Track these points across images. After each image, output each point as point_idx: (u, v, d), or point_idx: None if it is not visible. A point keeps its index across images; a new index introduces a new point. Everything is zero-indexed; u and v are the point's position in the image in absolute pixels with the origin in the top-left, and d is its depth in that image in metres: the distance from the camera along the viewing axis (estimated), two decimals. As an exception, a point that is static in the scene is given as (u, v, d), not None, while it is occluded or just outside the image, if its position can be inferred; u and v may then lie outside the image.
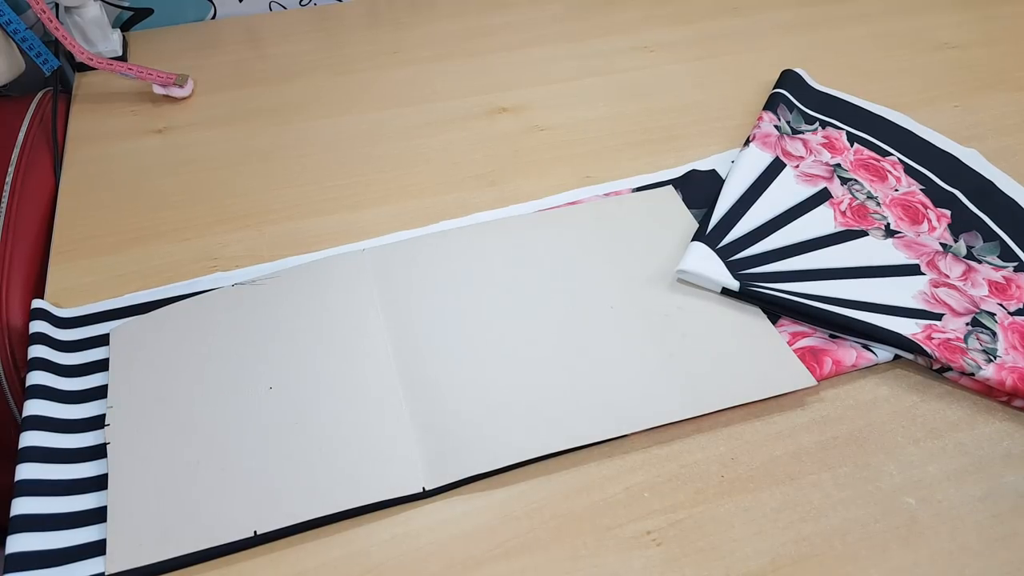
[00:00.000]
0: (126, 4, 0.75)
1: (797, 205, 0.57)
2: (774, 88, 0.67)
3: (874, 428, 0.45)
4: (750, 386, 0.46)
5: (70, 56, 0.68)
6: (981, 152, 0.62)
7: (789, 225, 0.56)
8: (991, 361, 0.47)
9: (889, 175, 0.60)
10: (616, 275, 0.52)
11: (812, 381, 0.46)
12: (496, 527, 0.41)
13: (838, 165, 0.61)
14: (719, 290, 0.51)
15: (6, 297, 0.51)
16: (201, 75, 0.70)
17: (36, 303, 0.49)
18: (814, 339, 0.49)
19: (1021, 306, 0.51)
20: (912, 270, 0.53)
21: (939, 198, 0.58)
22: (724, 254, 0.52)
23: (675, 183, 0.59)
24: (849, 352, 0.48)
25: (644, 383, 0.46)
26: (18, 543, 0.38)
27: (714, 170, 0.61)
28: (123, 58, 0.72)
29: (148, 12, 0.76)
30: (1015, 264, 0.53)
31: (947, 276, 0.53)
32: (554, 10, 0.80)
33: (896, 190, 0.59)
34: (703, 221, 0.55)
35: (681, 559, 0.39)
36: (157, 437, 0.43)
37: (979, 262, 0.54)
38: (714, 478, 0.43)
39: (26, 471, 0.40)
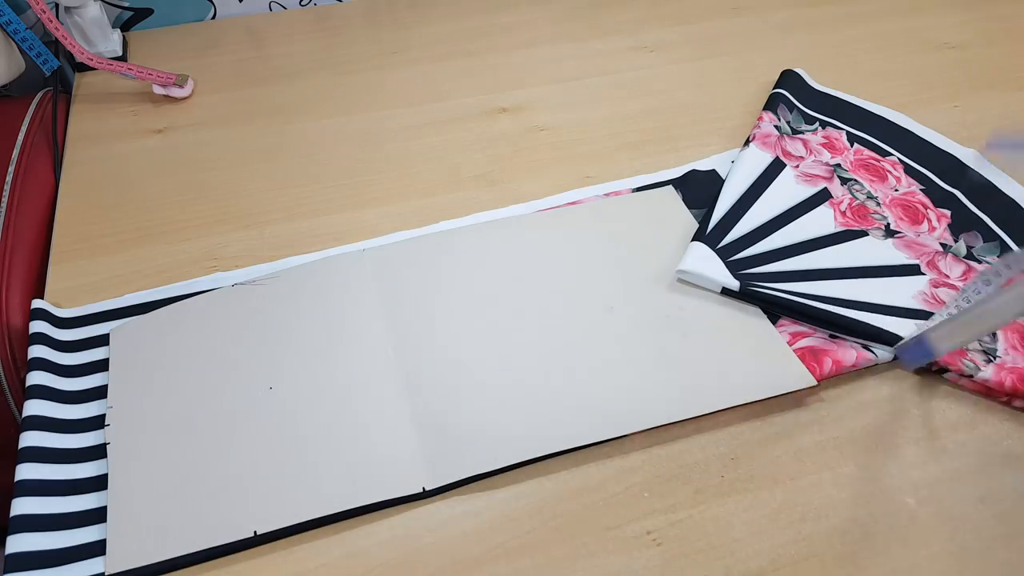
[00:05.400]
0: (126, 4, 0.75)
1: (797, 205, 0.57)
2: (774, 88, 0.67)
3: (874, 428, 0.45)
4: (750, 386, 0.46)
5: (70, 56, 0.68)
6: (981, 152, 0.62)
7: (789, 225, 0.56)
8: (991, 362, 0.47)
9: (889, 175, 0.60)
10: (616, 275, 0.52)
11: (812, 381, 0.46)
12: (496, 527, 0.41)
13: (838, 165, 0.61)
14: (719, 290, 0.51)
15: (6, 297, 0.51)
16: (201, 75, 0.70)
17: (36, 303, 0.49)
18: (814, 339, 0.49)
19: (1021, 306, 0.51)
20: (912, 270, 0.53)
21: (939, 198, 0.58)
22: (724, 254, 0.52)
23: (675, 183, 0.59)
24: (849, 352, 0.48)
25: (644, 383, 0.46)
26: (18, 543, 0.38)
27: (714, 170, 0.61)
28: (123, 58, 0.72)
29: (148, 12, 0.76)
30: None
31: (947, 276, 0.53)
32: (554, 10, 0.80)
33: (896, 190, 0.59)
34: (703, 221, 0.55)
35: (681, 559, 0.39)
36: (157, 437, 0.43)
37: (979, 262, 0.54)
38: (714, 478, 0.43)
39: (26, 471, 0.40)
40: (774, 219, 0.56)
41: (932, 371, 0.47)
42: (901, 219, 0.57)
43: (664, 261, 0.53)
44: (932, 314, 0.50)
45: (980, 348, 0.48)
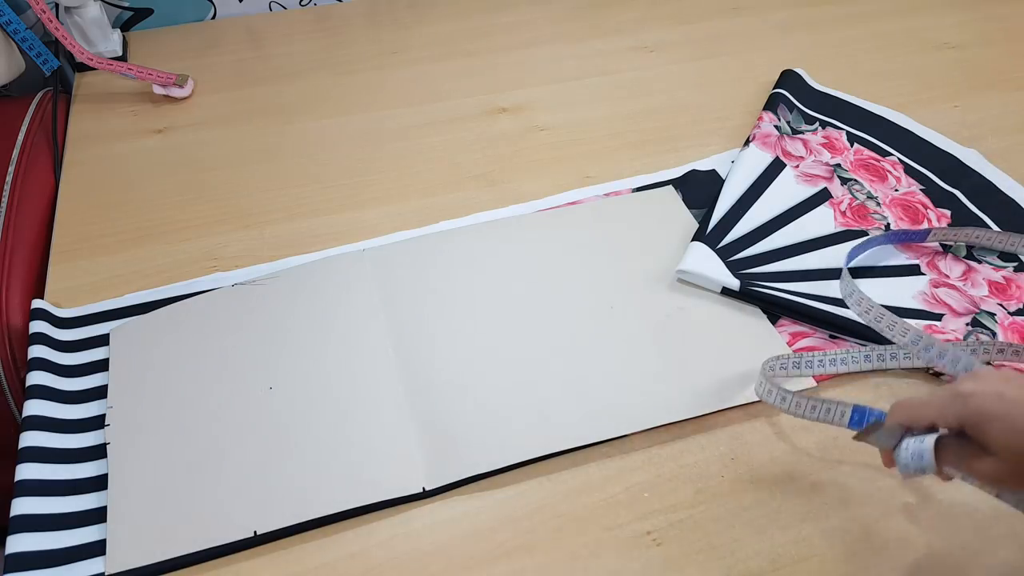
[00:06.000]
0: (126, 4, 0.75)
1: (797, 205, 0.57)
2: (774, 88, 0.67)
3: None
4: (750, 386, 0.46)
5: (70, 56, 0.68)
6: (981, 152, 0.62)
7: (789, 225, 0.56)
8: (990, 363, 0.47)
9: (889, 175, 0.60)
10: (616, 275, 0.52)
11: (812, 381, 0.46)
12: (496, 527, 0.40)
13: (838, 165, 0.61)
14: (719, 290, 0.51)
15: (6, 297, 0.51)
16: (201, 75, 0.70)
17: (36, 303, 0.49)
18: (814, 339, 0.49)
19: (1021, 306, 0.51)
20: (912, 270, 0.53)
21: (939, 198, 0.58)
22: (724, 254, 0.52)
23: (675, 183, 0.59)
24: (849, 352, 0.48)
25: (644, 383, 0.46)
26: (18, 543, 0.38)
27: (714, 170, 0.61)
28: (123, 58, 0.72)
29: (148, 12, 0.76)
30: (1015, 264, 0.53)
31: (947, 276, 0.53)
32: (554, 10, 0.80)
33: (896, 190, 0.59)
34: (703, 221, 0.55)
35: (681, 559, 0.39)
36: (157, 437, 0.43)
37: (979, 262, 0.54)
38: (714, 478, 0.43)
39: (26, 471, 0.40)
40: (774, 219, 0.56)
41: (930, 373, 0.47)
42: (901, 219, 0.57)
43: (664, 261, 0.53)
44: (931, 314, 0.50)
45: (980, 348, 0.48)
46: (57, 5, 0.66)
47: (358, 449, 0.43)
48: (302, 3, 0.81)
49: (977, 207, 0.57)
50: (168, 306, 0.50)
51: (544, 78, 0.71)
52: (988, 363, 0.46)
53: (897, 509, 0.41)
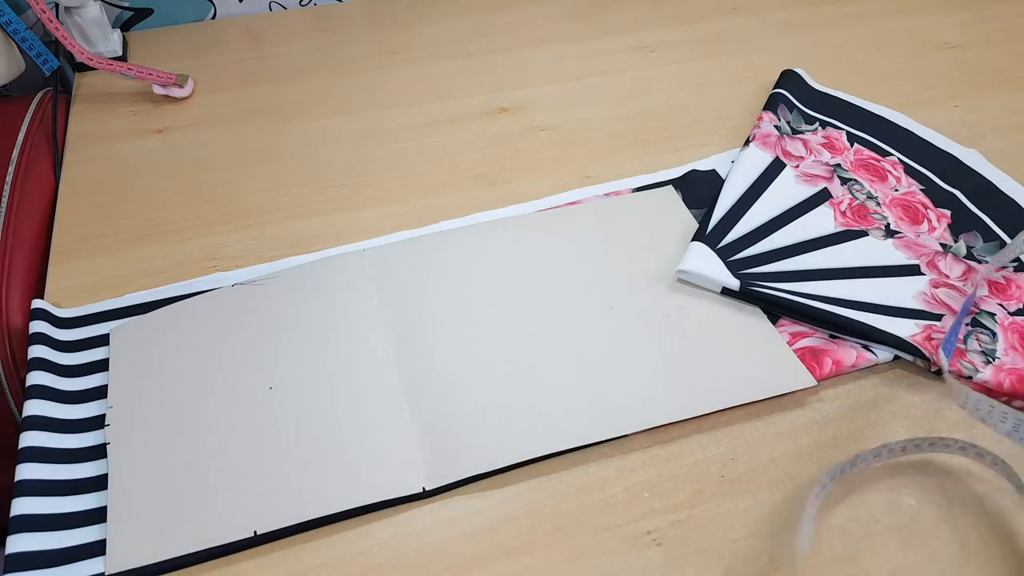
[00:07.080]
0: (126, 4, 0.75)
1: (797, 205, 0.57)
2: (774, 88, 0.67)
3: (874, 428, 0.45)
4: (750, 386, 0.46)
5: (70, 56, 0.68)
6: (981, 152, 0.62)
7: (789, 225, 0.56)
8: (989, 363, 0.47)
9: (889, 175, 0.60)
10: (616, 275, 0.52)
11: (812, 381, 0.46)
12: (496, 527, 0.41)
13: (838, 165, 0.61)
14: (719, 290, 0.51)
15: (6, 297, 0.51)
16: (201, 75, 0.70)
17: (36, 303, 0.49)
18: (814, 339, 0.49)
19: (1021, 306, 0.51)
20: (912, 270, 0.53)
21: (939, 198, 0.58)
22: (724, 254, 0.52)
23: (675, 183, 0.59)
24: (849, 352, 0.48)
25: (644, 383, 0.46)
26: (18, 543, 0.38)
27: (714, 170, 0.61)
28: (123, 58, 0.72)
29: (148, 12, 0.76)
30: (1015, 264, 0.53)
31: (947, 276, 0.53)
32: (554, 10, 0.80)
33: (896, 190, 0.59)
34: (703, 221, 0.55)
35: (681, 559, 0.39)
36: (157, 437, 0.43)
37: (979, 262, 0.54)
38: (714, 478, 0.43)
39: (26, 471, 0.40)
40: (774, 219, 0.56)
41: (931, 372, 0.47)
42: (901, 219, 0.57)
43: (664, 261, 0.53)
44: (931, 314, 0.50)
45: (979, 349, 0.48)
46: (57, 5, 0.66)
47: (358, 449, 0.43)
48: (302, 3, 0.81)
49: (977, 207, 0.57)
50: (168, 306, 0.50)
51: (544, 78, 0.71)
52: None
53: (898, 509, 0.41)
